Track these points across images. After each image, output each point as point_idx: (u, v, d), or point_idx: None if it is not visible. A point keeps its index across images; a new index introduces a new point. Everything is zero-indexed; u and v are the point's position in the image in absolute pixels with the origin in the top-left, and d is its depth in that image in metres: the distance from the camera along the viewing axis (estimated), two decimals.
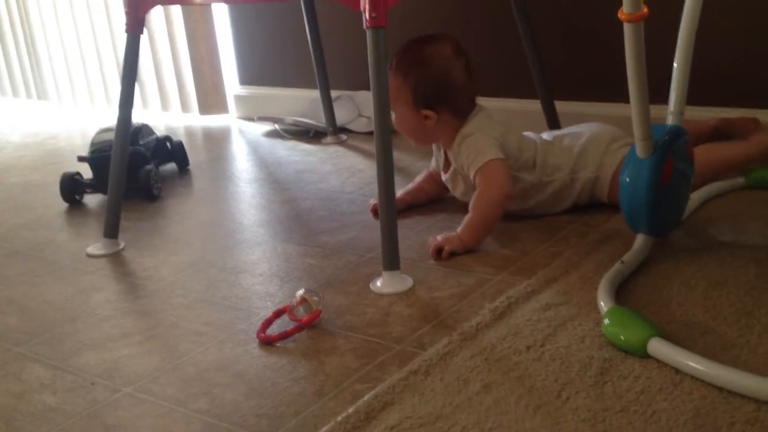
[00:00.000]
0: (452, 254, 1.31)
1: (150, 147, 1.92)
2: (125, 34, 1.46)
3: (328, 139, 2.12)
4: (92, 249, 1.51)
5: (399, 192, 1.53)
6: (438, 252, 1.31)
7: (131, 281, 1.37)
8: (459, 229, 1.34)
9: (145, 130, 1.95)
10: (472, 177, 1.38)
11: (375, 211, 1.52)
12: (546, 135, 1.48)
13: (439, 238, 1.33)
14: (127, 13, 1.45)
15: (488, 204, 1.34)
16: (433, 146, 1.52)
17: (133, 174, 1.71)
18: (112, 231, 1.52)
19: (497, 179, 1.35)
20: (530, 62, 1.71)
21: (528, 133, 1.48)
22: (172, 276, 1.36)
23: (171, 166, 2.01)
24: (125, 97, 1.49)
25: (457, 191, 1.47)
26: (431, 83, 1.39)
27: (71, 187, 1.82)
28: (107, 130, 1.87)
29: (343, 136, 2.11)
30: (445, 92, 1.39)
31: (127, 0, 1.46)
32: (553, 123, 1.74)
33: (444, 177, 1.50)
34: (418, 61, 1.40)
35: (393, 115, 1.43)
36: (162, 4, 1.59)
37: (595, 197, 1.42)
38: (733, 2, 1.58)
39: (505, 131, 1.42)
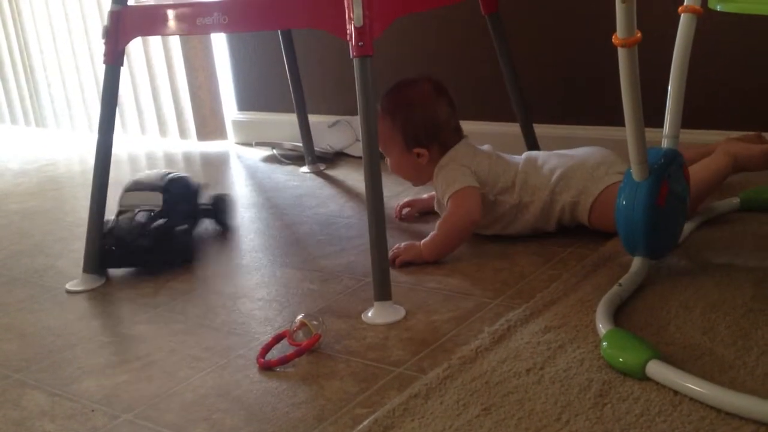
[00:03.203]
0: (408, 264, 1.39)
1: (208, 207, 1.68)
2: (105, 66, 1.45)
3: (306, 168, 2.10)
4: (71, 285, 1.46)
5: (414, 197, 1.67)
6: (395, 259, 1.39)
7: (130, 307, 1.37)
8: (422, 242, 1.41)
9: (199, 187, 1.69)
10: (445, 204, 1.43)
11: (400, 215, 1.64)
12: (542, 155, 1.50)
13: (402, 245, 1.40)
14: (106, 44, 1.45)
15: (453, 226, 1.41)
16: None
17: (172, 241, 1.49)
18: (92, 265, 1.46)
19: (465, 205, 1.41)
20: (508, 85, 1.73)
21: (531, 153, 1.51)
22: (171, 301, 1.37)
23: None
24: (105, 126, 1.47)
25: None
26: (419, 122, 1.46)
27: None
28: (137, 186, 1.59)
29: (321, 166, 2.11)
30: (433, 129, 1.46)
31: (107, 32, 1.45)
32: (533, 146, 1.75)
33: (435, 205, 1.55)
34: (402, 103, 1.47)
35: (388, 160, 1.51)
36: (141, 36, 1.58)
37: (576, 219, 1.43)
38: (727, 25, 1.60)
39: (479, 158, 1.46)
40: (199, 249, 1.56)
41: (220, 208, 1.70)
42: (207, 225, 1.71)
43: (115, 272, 1.51)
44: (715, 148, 1.53)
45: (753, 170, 1.48)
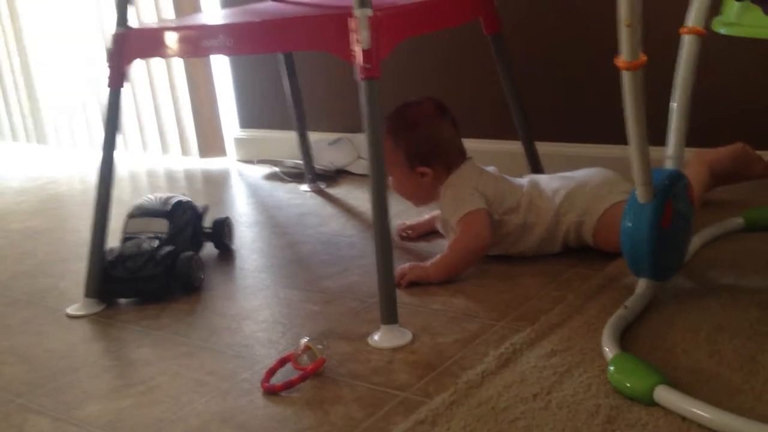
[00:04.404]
0: (414, 284, 1.38)
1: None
2: (108, 89, 1.44)
3: (305, 186, 2.11)
4: (72, 310, 1.44)
5: (414, 220, 1.66)
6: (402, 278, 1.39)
7: (133, 329, 1.37)
8: (430, 262, 1.40)
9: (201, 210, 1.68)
10: (454, 226, 1.43)
11: (402, 235, 1.63)
12: (545, 178, 1.50)
13: (407, 266, 1.40)
14: (110, 68, 1.44)
15: (464, 249, 1.41)
16: None
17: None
18: (93, 289, 1.44)
19: (475, 228, 1.40)
20: (510, 103, 1.73)
21: (534, 176, 1.52)
22: (174, 323, 1.36)
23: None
24: (107, 147, 1.46)
25: (449, 239, 1.50)
26: (422, 141, 1.46)
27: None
28: (141, 212, 1.57)
29: (322, 184, 2.11)
30: (436, 147, 1.46)
31: (110, 54, 1.45)
32: (535, 164, 1.75)
33: (438, 225, 1.55)
34: (405, 123, 1.48)
35: (391, 180, 1.50)
36: (142, 58, 1.57)
37: (581, 241, 1.42)
38: (730, 45, 1.60)
39: (486, 179, 1.46)
40: (205, 274, 1.54)
41: (221, 232, 1.69)
42: (208, 248, 1.69)
43: None
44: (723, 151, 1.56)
45: (729, 172, 1.54)
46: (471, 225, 1.41)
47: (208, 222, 1.69)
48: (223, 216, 1.72)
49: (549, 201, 1.43)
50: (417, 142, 1.46)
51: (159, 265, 1.45)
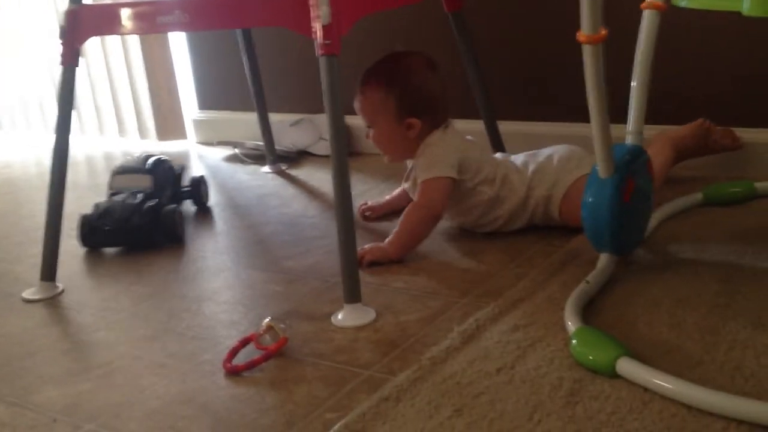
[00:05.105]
0: (374, 264, 1.36)
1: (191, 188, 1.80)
2: (61, 67, 1.39)
3: (267, 168, 2.09)
4: (28, 294, 1.42)
5: (375, 201, 1.64)
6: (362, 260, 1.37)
7: (91, 312, 1.34)
8: (386, 240, 1.39)
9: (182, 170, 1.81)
10: (418, 186, 1.41)
11: (363, 215, 1.61)
12: (513, 157, 1.50)
13: (366, 247, 1.38)
14: (63, 46, 1.39)
15: (417, 221, 1.40)
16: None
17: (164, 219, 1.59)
18: (49, 273, 1.42)
19: (431, 195, 1.39)
20: (472, 82, 1.73)
21: (497, 154, 1.52)
22: (133, 306, 1.34)
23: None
24: (62, 128, 1.41)
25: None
26: (416, 91, 1.42)
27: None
28: (125, 169, 1.69)
29: (283, 165, 2.09)
30: (429, 100, 1.43)
31: (62, 31, 1.40)
32: (497, 144, 1.75)
33: (405, 185, 1.52)
34: (399, 71, 1.43)
35: (371, 132, 1.46)
36: (97, 35, 1.53)
37: (548, 216, 1.43)
38: (693, 19, 1.61)
39: (468, 145, 1.45)
40: (185, 228, 1.65)
41: (198, 190, 1.81)
42: (187, 206, 1.81)
43: (73, 277, 1.48)
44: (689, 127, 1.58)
45: (691, 149, 1.57)
46: (428, 191, 1.39)
47: (185, 181, 1.80)
48: (199, 175, 1.84)
49: (522, 176, 1.43)
50: (411, 91, 1.42)
51: (145, 216, 1.57)
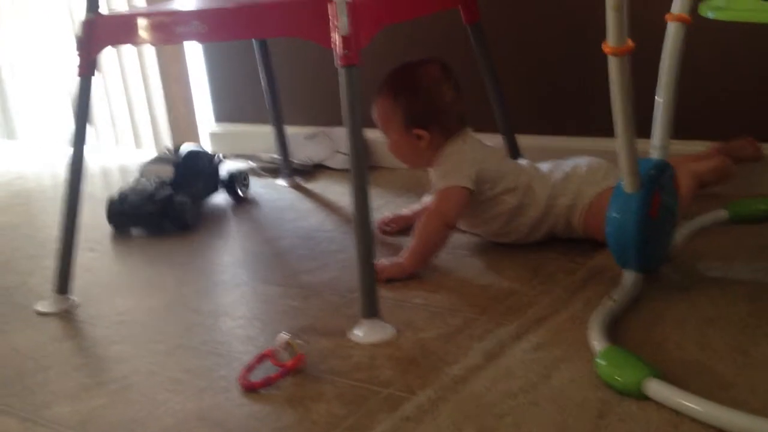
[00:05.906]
0: (391, 280, 1.34)
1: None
2: (78, 78, 1.39)
3: (282, 181, 2.07)
4: (41, 306, 1.40)
5: (394, 214, 1.62)
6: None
7: (105, 326, 1.32)
8: (402, 255, 1.37)
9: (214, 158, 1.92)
10: (433, 195, 1.40)
11: (383, 229, 1.58)
12: (541, 164, 1.48)
13: (385, 262, 1.36)
14: (79, 56, 1.39)
15: (431, 232, 1.38)
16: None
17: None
18: (63, 286, 1.41)
19: (445, 207, 1.38)
20: (490, 95, 1.71)
21: (521, 161, 1.49)
22: (148, 320, 1.32)
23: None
24: (77, 140, 1.40)
25: None
26: (421, 102, 1.41)
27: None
28: (157, 159, 1.86)
29: (298, 178, 2.07)
30: (435, 111, 1.42)
31: (79, 42, 1.39)
32: (516, 157, 1.72)
33: (428, 198, 1.51)
34: (406, 82, 1.43)
35: (387, 141, 1.47)
36: (113, 45, 1.52)
37: (570, 228, 1.40)
38: (717, 34, 1.58)
39: (489, 154, 1.43)
40: (197, 220, 1.76)
41: (234, 183, 1.91)
42: (225, 197, 1.92)
43: (87, 290, 1.46)
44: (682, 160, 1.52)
45: (711, 183, 1.50)
46: (442, 199, 1.38)
47: (225, 174, 1.91)
48: (237, 169, 1.95)
49: (545, 184, 1.41)
50: (416, 103, 1.41)
51: (156, 204, 1.71)
